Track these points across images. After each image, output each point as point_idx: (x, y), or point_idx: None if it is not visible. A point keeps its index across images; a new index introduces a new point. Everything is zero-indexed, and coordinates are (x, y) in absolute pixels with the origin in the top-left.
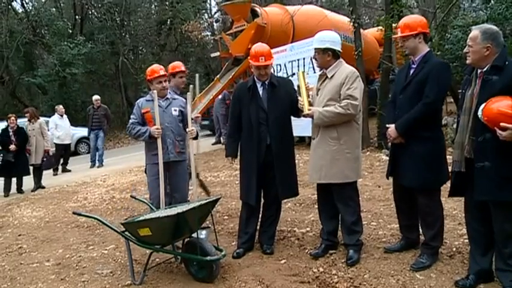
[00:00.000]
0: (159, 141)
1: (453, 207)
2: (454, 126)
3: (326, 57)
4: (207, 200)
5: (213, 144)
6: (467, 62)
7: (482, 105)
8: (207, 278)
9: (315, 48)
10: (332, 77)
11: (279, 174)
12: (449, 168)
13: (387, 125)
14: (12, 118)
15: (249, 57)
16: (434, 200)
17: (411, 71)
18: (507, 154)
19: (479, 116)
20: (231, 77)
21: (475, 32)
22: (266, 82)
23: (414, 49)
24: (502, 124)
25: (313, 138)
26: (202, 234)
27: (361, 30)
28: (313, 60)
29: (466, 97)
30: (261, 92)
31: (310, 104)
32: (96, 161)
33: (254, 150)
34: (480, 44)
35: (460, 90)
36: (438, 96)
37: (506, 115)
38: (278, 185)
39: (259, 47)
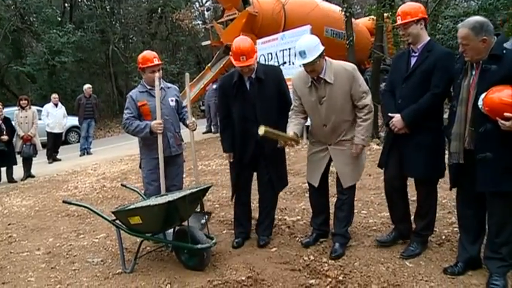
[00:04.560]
0: (159, 135)
1: (443, 196)
2: (445, 116)
3: (321, 62)
4: (198, 188)
5: (204, 133)
6: (467, 59)
7: (483, 96)
8: (198, 266)
9: (309, 63)
10: (334, 81)
11: (272, 169)
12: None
13: (390, 115)
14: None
15: (230, 53)
16: (433, 191)
17: (413, 60)
18: (509, 144)
19: (480, 107)
20: (222, 65)
21: (463, 30)
22: (252, 76)
23: (417, 36)
24: (506, 114)
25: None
26: (204, 219)
27: (353, 20)
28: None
29: (463, 87)
30: (248, 87)
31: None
32: (86, 149)
33: (243, 146)
34: (474, 39)
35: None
36: (448, 86)
37: (509, 104)
38: (273, 179)
39: (241, 43)
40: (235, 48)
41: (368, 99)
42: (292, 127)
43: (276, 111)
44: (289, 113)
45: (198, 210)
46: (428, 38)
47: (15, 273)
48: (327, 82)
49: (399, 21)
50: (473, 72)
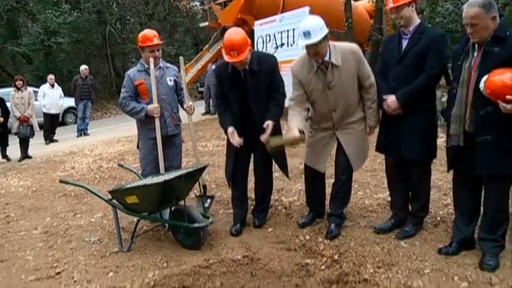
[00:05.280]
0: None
1: (439, 178)
2: (443, 99)
3: (325, 44)
4: (194, 168)
5: (203, 114)
6: (475, 40)
7: (484, 78)
8: (194, 245)
9: (313, 44)
10: (341, 64)
11: (274, 156)
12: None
13: (385, 96)
14: None
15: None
16: (428, 172)
17: (404, 42)
18: (509, 127)
19: (481, 89)
20: (219, 47)
21: (473, 9)
22: (246, 68)
23: (409, 19)
24: (508, 97)
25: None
26: (207, 202)
27: (352, 2)
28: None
29: (464, 69)
30: (242, 77)
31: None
32: (83, 130)
33: (241, 133)
34: (485, 17)
35: (450, 64)
36: (442, 68)
37: (511, 87)
38: (279, 166)
39: (232, 37)
40: (226, 42)
41: (373, 79)
42: (297, 123)
43: (267, 104)
44: (289, 104)
45: (201, 193)
46: (419, 21)
47: (13, 252)
48: (334, 66)
49: (391, 4)
50: (475, 54)
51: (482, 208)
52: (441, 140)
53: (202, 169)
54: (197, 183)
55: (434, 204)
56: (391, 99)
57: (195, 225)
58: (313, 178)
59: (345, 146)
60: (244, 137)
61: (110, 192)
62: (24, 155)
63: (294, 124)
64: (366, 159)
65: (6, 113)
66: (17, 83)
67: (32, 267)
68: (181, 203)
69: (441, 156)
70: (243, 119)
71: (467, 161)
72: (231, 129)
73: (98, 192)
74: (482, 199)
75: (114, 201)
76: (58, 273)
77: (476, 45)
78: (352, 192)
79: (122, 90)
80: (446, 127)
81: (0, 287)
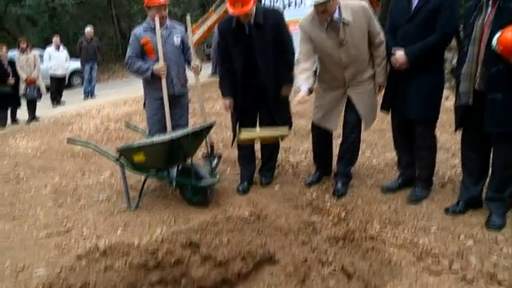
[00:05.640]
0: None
1: (447, 138)
2: (454, 61)
3: (334, 2)
4: (201, 127)
5: (209, 76)
6: None
7: (497, 35)
8: (202, 203)
9: (322, 2)
10: (352, 21)
11: (275, 112)
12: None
13: (394, 49)
14: (4, 48)
15: None
16: (433, 133)
17: (415, 1)
18: None
19: (494, 46)
20: (225, 7)
21: None
22: (251, 21)
23: None
24: None
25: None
26: (214, 162)
27: None
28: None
29: (476, 26)
30: (247, 31)
31: None
32: (89, 92)
33: (245, 91)
34: None
35: (462, 25)
36: (455, 27)
37: None
38: (277, 122)
39: None
40: None
41: (383, 36)
42: (305, 81)
43: (274, 60)
44: (297, 59)
45: (209, 153)
46: None
47: (24, 210)
48: (345, 23)
49: None
50: (489, 10)
51: (490, 169)
52: (450, 102)
53: (209, 127)
54: (204, 142)
55: (441, 166)
56: (399, 53)
57: (202, 182)
58: (320, 137)
59: (356, 104)
60: (248, 94)
61: (118, 150)
62: (32, 117)
63: (303, 83)
64: (375, 117)
65: (16, 76)
66: (21, 44)
67: (43, 224)
68: (189, 161)
69: (450, 117)
70: (247, 76)
71: (476, 120)
72: (228, 101)
73: (106, 150)
74: (490, 160)
75: (122, 160)
76: (68, 230)
77: (490, 1)
78: (360, 152)
79: (128, 49)
80: (456, 86)
81: (13, 243)
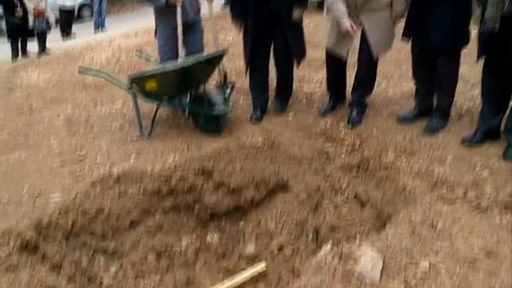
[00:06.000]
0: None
1: (467, 69)
2: None
3: None
4: (213, 54)
5: (223, 6)
6: None
7: None
8: (215, 130)
9: None
10: None
11: (290, 38)
12: None
13: None
14: None
15: None
16: (456, 62)
17: None
18: None
19: None
20: None
21: None
22: None
23: None
24: None
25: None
26: (228, 90)
27: None
28: None
29: None
30: None
31: None
32: (99, 24)
33: (256, 14)
34: None
35: None
36: None
37: None
38: (291, 49)
39: None
40: None
41: None
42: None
43: None
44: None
45: (222, 82)
46: None
47: (38, 140)
48: None
49: None
50: None
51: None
52: (473, 32)
53: (221, 55)
54: (217, 71)
55: (460, 97)
56: None
57: (215, 109)
58: (334, 64)
59: (368, 31)
60: (261, 21)
61: (129, 77)
62: (42, 49)
63: (343, 12)
64: (389, 48)
65: (24, 8)
66: None
67: (57, 153)
68: (201, 89)
69: (471, 48)
70: (258, 1)
71: (500, 48)
72: (237, 26)
73: (119, 78)
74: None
75: (134, 88)
76: (82, 158)
77: None
78: (376, 82)
79: None
80: (481, 12)
81: (29, 171)
